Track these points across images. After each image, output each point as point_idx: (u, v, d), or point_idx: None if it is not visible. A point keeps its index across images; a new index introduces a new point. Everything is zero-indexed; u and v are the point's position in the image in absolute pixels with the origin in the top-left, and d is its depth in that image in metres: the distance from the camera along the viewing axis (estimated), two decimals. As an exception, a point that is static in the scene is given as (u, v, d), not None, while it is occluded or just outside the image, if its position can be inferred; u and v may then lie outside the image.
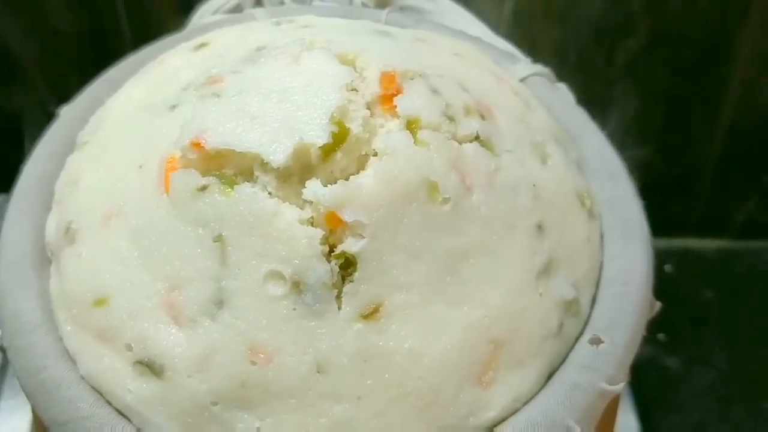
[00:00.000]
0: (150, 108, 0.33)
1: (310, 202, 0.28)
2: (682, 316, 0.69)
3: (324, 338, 0.28)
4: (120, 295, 0.29)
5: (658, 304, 0.34)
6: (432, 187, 0.29)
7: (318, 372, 0.28)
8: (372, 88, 0.30)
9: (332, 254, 0.28)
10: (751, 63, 0.64)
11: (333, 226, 0.28)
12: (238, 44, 0.35)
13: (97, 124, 0.34)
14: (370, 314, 0.28)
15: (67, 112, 0.36)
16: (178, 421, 0.28)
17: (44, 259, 0.32)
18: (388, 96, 0.30)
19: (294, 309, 0.28)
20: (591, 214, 0.33)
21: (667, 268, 0.73)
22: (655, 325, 0.69)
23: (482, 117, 0.32)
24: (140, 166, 0.31)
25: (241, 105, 0.30)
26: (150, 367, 0.28)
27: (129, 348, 0.29)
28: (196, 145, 0.29)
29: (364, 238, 0.28)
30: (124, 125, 0.33)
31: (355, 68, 0.31)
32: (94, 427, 0.28)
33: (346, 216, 0.28)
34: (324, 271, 0.28)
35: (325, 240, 0.28)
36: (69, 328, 0.30)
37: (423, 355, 0.28)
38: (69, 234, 0.31)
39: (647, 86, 0.66)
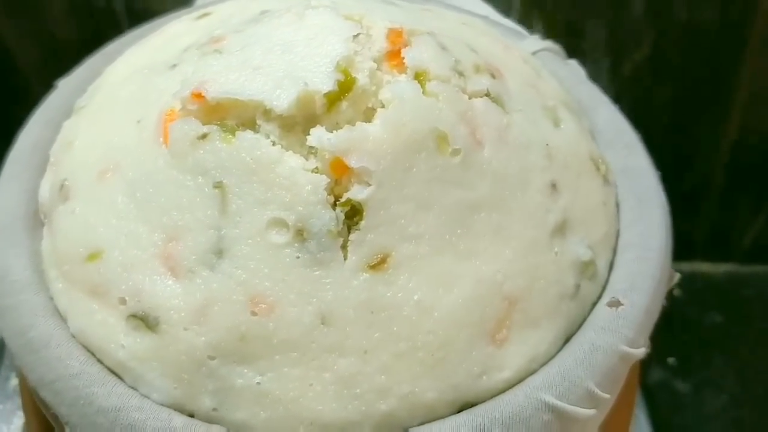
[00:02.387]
0: (149, 69, 0.32)
1: (315, 154, 0.27)
2: (691, 340, 0.68)
3: (329, 288, 0.26)
4: (114, 248, 0.28)
5: (677, 275, 0.32)
6: (441, 138, 0.28)
7: (322, 323, 0.26)
8: (378, 44, 0.29)
9: (338, 203, 0.27)
10: (757, 78, 0.63)
11: (338, 175, 0.27)
12: (242, 12, 0.34)
13: (95, 90, 0.34)
14: (377, 264, 0.27)
15: (64, 84, 0.35)
16: (173, 377, 0.26)
17: (37, 221, 0.31)
18: (395, 51, 0.30)
19: (297, 257, 0.26)
20: (606, 180, 0.32)
21: (675, 291, 0.72)
22: (664, 349, 0.68)
23: (492, 76, 0.31)
24: (138, 121, 0.30)
25: (243, 58, 0.29)
26: (144, 321, 0.27)
27: (123, 301, 0.27)
28: (197, 96, 0.28)
29: (370, 185, 0.27)
30: (121, 86, 0.32)
31: (361, 26, 0.30)
32: (83, 384, 0.27)
33: (353, 162, 0.27)
34: (329, 218, 0.26)
35: (330, 190, 0.27)
36: (60, 285, 0.29)
37: (433, 308, 0.27)
38: (63, 191, 0.30)
39: (648, 104, 0.66)
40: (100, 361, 0.27)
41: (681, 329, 0.69)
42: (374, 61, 0.29)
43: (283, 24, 0.30)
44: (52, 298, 0.29)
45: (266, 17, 0.31)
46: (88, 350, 0.28)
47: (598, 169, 0.32)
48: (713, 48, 0.61)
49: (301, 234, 0.26)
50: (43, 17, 0.61)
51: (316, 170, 0.27)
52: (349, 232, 0.27)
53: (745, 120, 0.65)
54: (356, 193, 0.27)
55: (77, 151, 0.31)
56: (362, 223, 0.27)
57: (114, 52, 0.36)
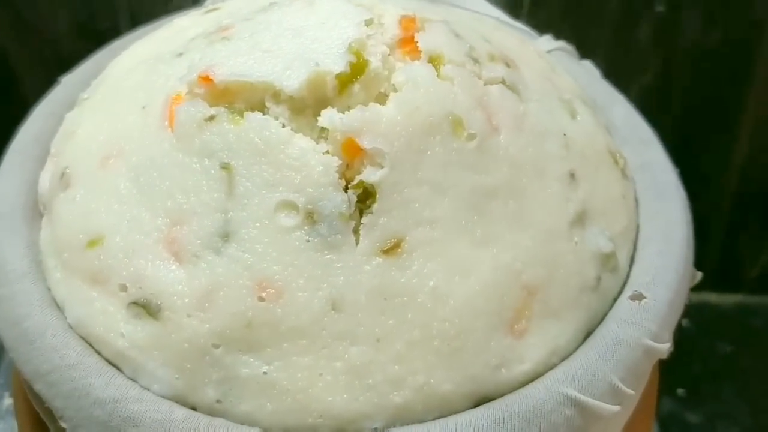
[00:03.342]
0: (155, 58, 0.31)
1: (325, 138, 0.26)
2: (701, 371, 0.67)
3: (340, 273, 0.25)
4: (116, 234, 0.26)
5: (699, 274, 0.31)
6: (456, 122, 0.27)
7: (333, 309, 0.25)
8: (391, 31, 0.29)
9: (350, 187, 0.26)
10: (763, 104, 0.63)
11: (350, 157, 0.26)
12: (250, 5, 0.34)
13: (99, 82, 0.33)
14: (391, 249, 0.25)
15: (68, 79, 0.35)
16: (174, 366, 0.25)
17: (36, 212, 0.30)
18: (407, 38, 0.29)
19: (307, 241, 0.25)
20: (624, 174, 0.31)
21: (684, 322, 0.71)
22: (674, 380, 0.66)
23: (507, 65, 0.30)
24: (143, 107, 0.29)
25: (252, 43, 0.28)
26: (146, 308, 0.25)
27: (123, 288, 0.26)
28: (204, 79, 0.27)
29: (383, 168, 0.26)
30: (126, 77, 0.31)
31: (372, 13, 0.29)
32: (79, 375, 0.25)
33: (365, 142, 0.26)
34: (340, 200, 0.25)
35: (342, 174, 0.26)
36: (58, 275, 0.27)
37: (448, 295, 0.25)
38: (63, 179, 0.29)
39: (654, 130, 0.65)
40: (98, 352, 0.26)
41: (691, 360, 0.68)
42: (387, 47, 0.28)
43: (293, 11, 0.30)
44: (50, 289, 0.28)
45: (276, 6, 0.31)
46: (86, 341, 0.26)
47: (616, 162, 0.31)
48: (719, 73, 0.61)
49: (311, 217, 0.25)
50: (48, 38, 0.61)
51: (327, 153, 0.26)
52: (361, 216, 0.26)
53: (753, 147, 0.65)
54: (369, 175, 0.26)
55: (79, 139, 0.30)
56: (375, 206, 0.26)
57: (119, 47, 0.35)
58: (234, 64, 0.27)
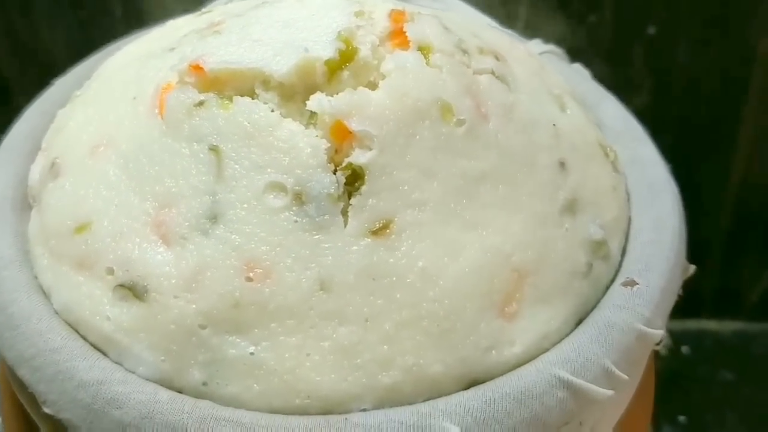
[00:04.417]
0: (147, 55, 0.31)
1: (314, 124, 0.26)
2: (702, 399, 0.67)
3: (328, 253, 0.25)
4: (104, 219, 0.26)
5: (692, 267, 0.31)
6: (445, 108, 0.27)
7: (321, 289, 0.25)
8: (381, 24, 0.29)
9: (338, 169, 0.26)
10: (758, 127, 0.63)
11: (339, 141, 0.26)
12: (242, 5, 0.34)
13: (92, 80, 0.33)
14: (380, 230, 0.25)
15: (62, 81, 0.35)
16: (160, 348, 0.25)
17: (25, 204, 0.30)
18: (397, 30, 0.29)
19: (295, 221, 0.25)
20: (615, 168, 0.31)
21: (684, 349, 0.70)
22: (675, 408, 0.65)
23: (496, 58, 0.30)
24: (134, 98, 0.29)
25: (243, 35, 0.28)
26: (132, 290, 0.25)
27: (110, 272, 0.26)
28: (195, 68, 0.27)
29: (372, 150, 0.26)
30: (118, 73, 0.31)
31: (362, 6, 0.30)
32: (63, 359, 0.25)
33: (354, 125, 0.26)
34: (329, 181, 0.25)
35: (330, 159, 0.26)
36: (45, 262, 0.27)
37: (438, 276, 0.25)
38: (53, 169, 0.29)
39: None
40: (84, 337, 0.26)
41: (691, 387, 0.67)
42: (377, 38, 0.28)
43: (284, 6, 0.30)
44: (36, 277, 0.27)
45: (267, 3, 0.31)
46: (72, 326, 0.26)
47: (606, 155, 0.31)
48: (714, 96, 0.61)
49: (299, 198, 0.25)
50: (45, 59, 0.61)
51: (316, 138, 0.26)
52: (349, 198, 0.26)
53: (748, 171, 0.65)
54: (357, 156, 0.26)
55: (70, 131, 0.30)
56: (363, 188, 0.25)
57: (114, 50, 0.35)
58: (224, 53, 0.28)
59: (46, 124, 0.32)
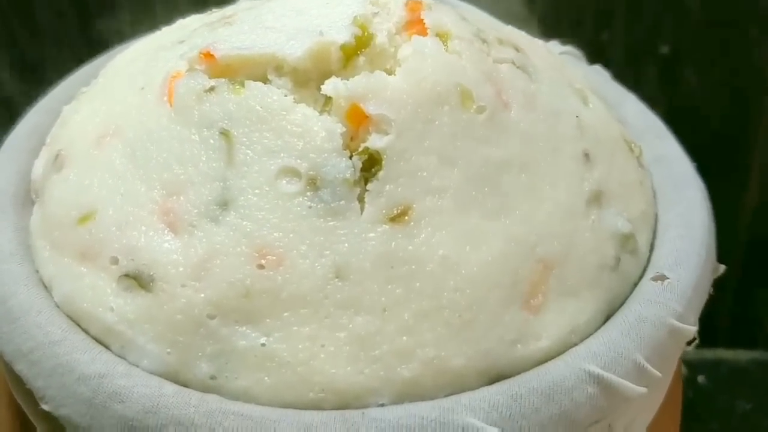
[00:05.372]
0: (156, 48, 0.30)
1: (329, 111, 0.25)
2: (719, 428, 0.65)
3: (344, 240, 0.24)
4: (109, 207, 0.25)
5: (722, 267, 0.30)
6: (465, 94, 0.26)
7: (336, 277, 0.23)
8: (398, 14, 0.28)
9: (354, 154, 0.25)
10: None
11: (355, 125, 0.25)
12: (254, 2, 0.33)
13: (99, 76, 0.32)
14: (397, 217, 0.24)
15: (68, 81, 0.34)
16: (166, 340, 0.23)
17: (27, 200, 0.29)
18: (414, 20, 0.28)
19: (309, 207, 0.24)
20: (640, 163, 0.30)
21: (701, 379, 0.69)
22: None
23: (516, 50, 0.29)
24: (142, 88, 0.28)
25: (255, 23, 0.28)
26: (137, 279, 0.24)
27: (114, 261, 0.24)
28: (206, 55, 0.27)
29: (389, 134, 0.24)
30: (126, 67, 0.31)
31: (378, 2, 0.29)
32: (64, 351, 0.23)
33: (370, 108, 0.25)
34: (344, 166, 0.24)
35: (346, 144, 0.25)
36: (47, 254, 0.26)
37: (459, 264, 0.24)
38: (57, 161, 0.28)
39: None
40: (85, 330, 0.24)
41: (709, 417, 0.65)
42: (393, 26, 0.27)
43: (296, -1, 0.29)
44: (37, 271, 0.26)
45: (279, -2, 0.30)
46: (73, 319, 0.25)
47: (631, 150, 0.30)
48: (725, 121, 0.60)
49: (314, 183, 0.24)
50: (50, 81, 0.61)
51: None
52: (366, 184, 0.24)
53: (763, 197, 0.64)
54: (374, 141, 0.24)
55: (75, 123, 0.29)
56: (381, 173, 0.24)
57: (122, 49, 0.34)
58: (236, 40, 0.27)
59: (50, 121, 0.31)
